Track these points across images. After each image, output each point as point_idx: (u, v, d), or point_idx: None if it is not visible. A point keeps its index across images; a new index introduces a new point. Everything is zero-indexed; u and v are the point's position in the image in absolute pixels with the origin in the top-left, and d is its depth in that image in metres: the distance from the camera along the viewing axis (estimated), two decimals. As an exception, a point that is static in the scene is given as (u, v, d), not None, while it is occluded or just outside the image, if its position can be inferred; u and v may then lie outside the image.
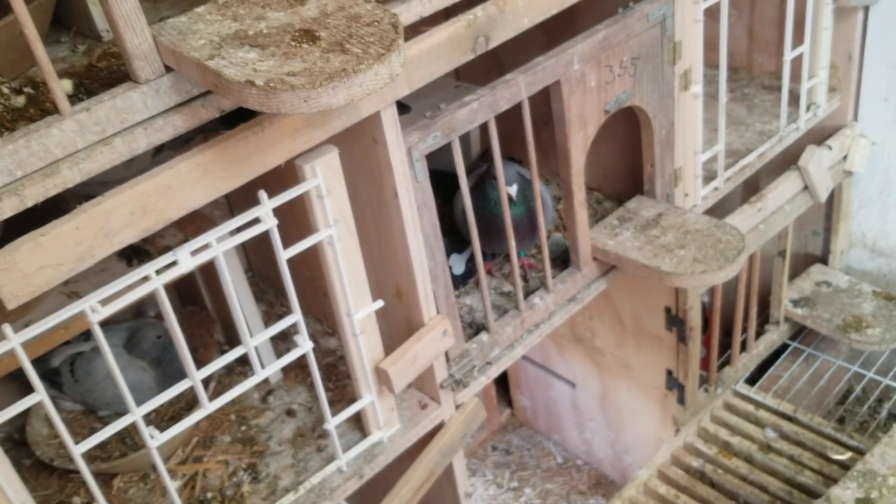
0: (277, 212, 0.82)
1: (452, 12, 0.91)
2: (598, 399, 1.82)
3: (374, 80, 0.63)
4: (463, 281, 1.27)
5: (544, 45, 1.07)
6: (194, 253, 0.77)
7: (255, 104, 0.62)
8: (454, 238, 1.27)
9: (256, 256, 1.37)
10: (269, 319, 1.27)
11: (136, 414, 0.80)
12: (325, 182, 0.84)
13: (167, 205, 0.73)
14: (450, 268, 1.28)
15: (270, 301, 1.33)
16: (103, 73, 0.80)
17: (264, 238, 0.83)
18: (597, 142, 1.15)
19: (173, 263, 0.77)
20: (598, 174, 1.39)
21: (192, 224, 1.06)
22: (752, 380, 1.71)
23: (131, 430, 1.09)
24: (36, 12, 0.85)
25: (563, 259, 1.27)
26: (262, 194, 0.81)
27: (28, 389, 0.74)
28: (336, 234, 0.87)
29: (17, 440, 1.12)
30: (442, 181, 1.14)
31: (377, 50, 0.63)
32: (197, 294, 1.22)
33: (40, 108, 0.74)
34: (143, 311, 1.24)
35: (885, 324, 1.61)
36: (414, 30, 0.88)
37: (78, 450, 0.78)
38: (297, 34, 0.67)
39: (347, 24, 0.67)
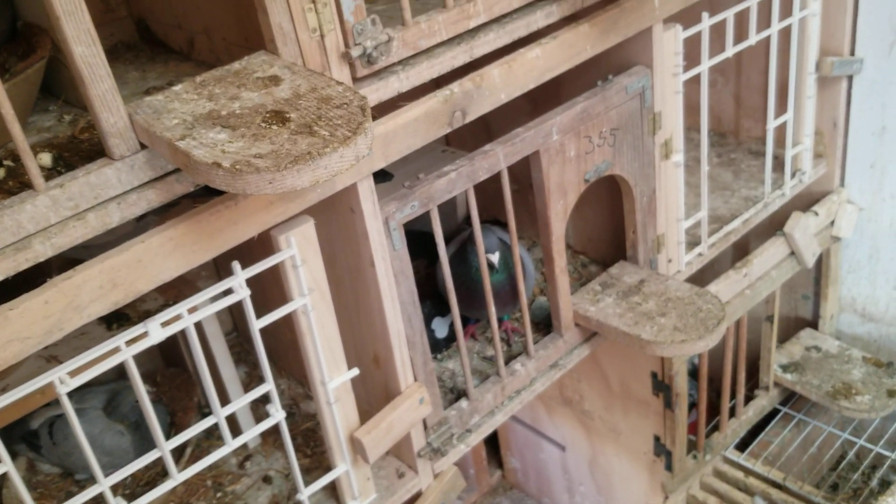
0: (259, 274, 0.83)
1: (442, 81, 0.92)
2: (587, 463, 1.80)
3: (339, 162, 0.64)
4: (447, 344, 1.26)
5: (530, 111, 1.09)
6: (165, 324, 0.77)
7: (221, 185, 0.63)
8: (438, 301, 1.28)
9: (241, 317, 1.37)
10: (251, 381, 1.27)
11: (104, 485, 0.79)
12: (300, 252, 0.85)
13: (137, 278, 0.74)
14: (433, 331, 1.28)
15: (254, 362, 1.33)
16: (84, 144, 0.82)
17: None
18: (581, 206, 1.16)
19: (144, 334, 0.77)
20: (584, 238, 1.40)
21: (174, 288, 1.06)
22: (742, 444, 1.69)
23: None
24: (23, 84, 0.87)
25: (546, 323, 1.27)
26: (236, 265, 0.81)
27: (7, 448, 0.74)
28: (310, 303, 0.88)
29: (-7, 503, 1.11)
30: (427, 242, 1.14)
31: (343, 133, 0.65)
32: (179, 354, 1.22)
33: (20, 180, 0.75)
34: (124, 371, 1.24)
35: (875, 391, 1.59)
36: (392, 104, 0.90)
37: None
38: (268, 115, 0.69)
39: (318, 106, 0.69)
